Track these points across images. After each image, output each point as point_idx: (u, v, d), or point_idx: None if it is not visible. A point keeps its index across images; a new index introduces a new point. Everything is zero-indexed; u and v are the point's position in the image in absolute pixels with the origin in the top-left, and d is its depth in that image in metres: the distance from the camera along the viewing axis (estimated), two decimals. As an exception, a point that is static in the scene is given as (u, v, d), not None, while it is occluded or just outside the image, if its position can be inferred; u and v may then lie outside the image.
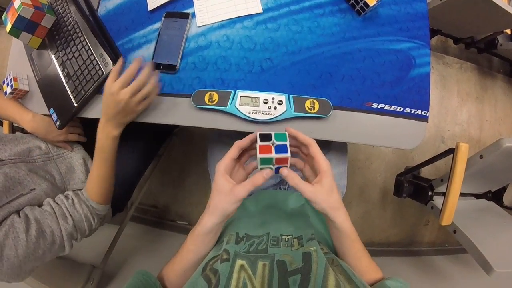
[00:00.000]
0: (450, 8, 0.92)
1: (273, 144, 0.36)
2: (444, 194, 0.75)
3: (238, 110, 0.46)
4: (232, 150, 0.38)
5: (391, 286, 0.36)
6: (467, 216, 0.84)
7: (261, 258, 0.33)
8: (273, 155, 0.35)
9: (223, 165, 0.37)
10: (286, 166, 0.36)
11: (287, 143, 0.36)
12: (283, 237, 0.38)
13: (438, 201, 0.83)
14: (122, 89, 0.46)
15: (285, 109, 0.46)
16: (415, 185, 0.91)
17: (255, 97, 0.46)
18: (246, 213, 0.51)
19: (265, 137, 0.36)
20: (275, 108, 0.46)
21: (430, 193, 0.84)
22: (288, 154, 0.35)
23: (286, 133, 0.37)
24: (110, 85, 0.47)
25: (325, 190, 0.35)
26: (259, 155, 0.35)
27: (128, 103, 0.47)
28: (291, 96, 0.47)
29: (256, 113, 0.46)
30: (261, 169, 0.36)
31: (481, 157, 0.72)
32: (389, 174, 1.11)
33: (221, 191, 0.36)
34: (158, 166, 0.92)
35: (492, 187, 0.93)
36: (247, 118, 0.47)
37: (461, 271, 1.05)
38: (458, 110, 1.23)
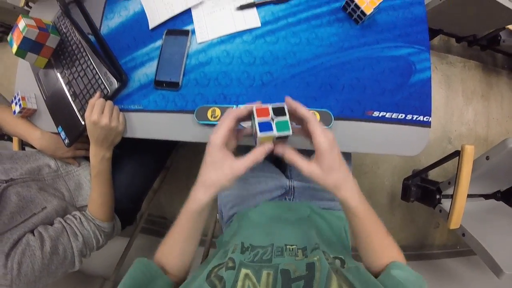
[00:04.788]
0: (450, 7, 0.91)
1: (272, 120, 0.33)
2: (451, 196, 0.74)
3: (241, 125, 0.47)
4: (228, 120, 0.35)
5: (397, 276, 0.35)
6: (476, 218, 0.82)
7: (266, 268, 0.33)
8: (274, 132, 0.32)
9: (219, 138, 0.34)
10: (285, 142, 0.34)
11: (287, 117, 0.33)
12: (288, 247, 0.38)
13: (446, 204, 0.82)
14: (101, 116, 0.51)
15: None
16: (423, 189, 0.90)
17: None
18: (251, 224, 0.51)
19: (263, 112, 0.33)
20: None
21: (438, 196, 0.83)
22: (290, 132, 0.33)
23: (285, 106, 0.34)
24: (90, 116, 0.51)
25: (323, 169, 0.34)
26: (259, 134, 0.32)
27: (110, 125, 0.51)
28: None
29: (257, 127, 0.46)
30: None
31: (487, 158, 0.71)
32: (397, 178, 1.10)
33: (217, 166, 0.34)
34: (166, 178, 0.93)
35: (501, 186, 0.91)
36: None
37: (474, 273, 1.03)
38: (464, 110, 1.21)
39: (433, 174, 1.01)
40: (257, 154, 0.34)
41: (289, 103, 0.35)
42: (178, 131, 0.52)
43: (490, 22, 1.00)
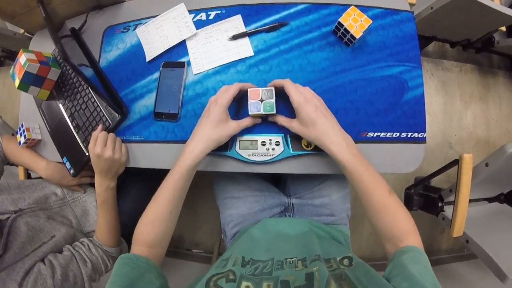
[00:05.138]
0: (441, 15, 0.92)
1: (261, 102, 0.45)
2: (454, 203, 0.74)
3: (239, 154, 0.48)
4: (234, 89, 0.44)
5: (404, 260, 0.34)
6: (480, 223, 0.82)
7: (266, 280, 0.34)
8: (262, 112, 0.45)
9: (226, 100, 0.42)
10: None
11: (273, 100, 0.45)
12: (288, 260, 0.39)
13: (448, 211, 0.82)
14: (104, 149, 0.52)
15: (282, 149, 0.48)
16: (425, 197, 0.90)
17: (253, 140, 0.48)
18: (252, 239, 0.52)
19: (255, 94, 0.46)
20: (273, 149, 0.48)
21: (440, 204, 0.83)
22: (274, 112, 0.45)
23: (273, 90, 0.45)
24: (93, 149, 0.53)
25: (305, 123, 0.40)
26: (250, 113, 0.46)
27: (113, 157, 0.53)
28: (288, 135, 0.49)
29: (255, 155, 0.48)
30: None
31: (486, 165, 0.71)
32: (399, 186, 1.09)
33: (220, 124, 0.42)
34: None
35: (504, 189, 0.91)
36: (247, 160, 0.48)
37: (483, 276, 1.01)
38: (463, 114, 1.21)
39: (435, 180, 1.00)
40: (248, 121, 0.45)
41: (270, 84, 0.46)
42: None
43: (482, 26, 1.01)
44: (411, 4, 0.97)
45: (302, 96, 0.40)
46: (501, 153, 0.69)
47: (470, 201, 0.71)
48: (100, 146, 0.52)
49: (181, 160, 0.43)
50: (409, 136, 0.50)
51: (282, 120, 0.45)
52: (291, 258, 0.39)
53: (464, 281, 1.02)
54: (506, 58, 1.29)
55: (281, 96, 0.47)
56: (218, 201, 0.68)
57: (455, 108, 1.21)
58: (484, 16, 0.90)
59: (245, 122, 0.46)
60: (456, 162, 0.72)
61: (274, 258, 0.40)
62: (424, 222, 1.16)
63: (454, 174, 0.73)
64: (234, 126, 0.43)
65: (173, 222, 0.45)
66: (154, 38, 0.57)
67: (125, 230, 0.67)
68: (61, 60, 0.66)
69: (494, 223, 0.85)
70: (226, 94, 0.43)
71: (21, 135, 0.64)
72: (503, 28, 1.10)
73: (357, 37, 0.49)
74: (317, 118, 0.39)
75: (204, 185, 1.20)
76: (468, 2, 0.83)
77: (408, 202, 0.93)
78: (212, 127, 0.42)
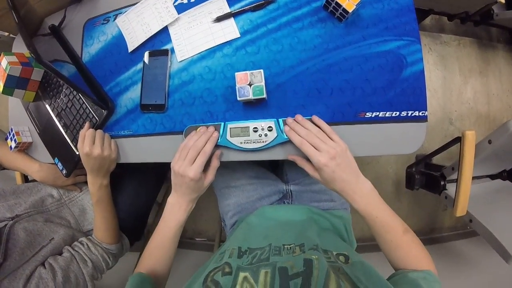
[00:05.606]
0: (438, -14, 0.88)
1: (250, 86, 0.44)
2: (456, 181, 0.72)
3: (230, 142, 0.46)
4: (203, 158, 0.44)
5: (412, 275, 0.36)
6: (483, 201, 0.81)
7: (263, 266, 0.33)
8: (251, 97, 0.44)
9: (197, 174, 0.43)
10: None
11: (263, 83, 0.44)
12: (285, 246, 0.39)
13: (451, 189, 0.81)
14: (92, 147, 0.51)
15: (276, 135, 0.46)
16: (427, 176, 0.89)
17: (244, 127, 0.46)
18: (249, 227, 0.51)
19: (243, 78, 0.45)
20: (265, 135, 0.45)
21: (442, 183, 0.82)
22: (264, 96, 0.44)
23: (262, 72, 0.45)
24: (82, 148, 0.51)
25: (323, 179, 0.42)
26: (238, 98, 0.45)
27: (103, 155, 0.52)
28: (280, 120, 0.46)
29: (247, 142, 0.46)
30: None
31: (489, 142, 0.69)
32: (400, 164, 1.08)
33: (195, 190, 0.45)
34: (169, 189, 0.93)
35: (507, 166, 0.89)
36: (239, 148, 0.46)
37: (486, 253, 1.02)
38: (463, 89, 1.18)
39: (436, 157, 0.99)
40: (213, 165, 0.47)
41: (293, 158, 0.47)
42: (170, 153, 0.51)
43: (481, -3, 0.96)
44: (406, -24, 0.92)
45: (321, 160, 0.40)
46: (504, 130, 0.67)
47: (473, 178, 0.69)
48: (89, 145, 0.50)
49: (168, 221, 0.48)
50: (409, 114, 0.48)
51: (307, 168, 0.45)
52: (289, 245, 0.39)
53: (467, 258, 1.03)
54: (505, 31, 1.24)
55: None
56: (216, 190, 0.67)
57: (455, 83, 1.18)
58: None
59: (211, 171, 0.47)
60: (458, 140, 0.70)
61: (271, 244, 0.39)
62: (426, 200, 1.16)
63: (455, 150, 0.72)
64: (207, 182, 0.46)
65: (171, 258, 0.50)
66: (135, 27, 0.54)
67: (124, 225, 0.67)
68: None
69: (497, 201, 0.84)
70: (196, 166, 0.43)
71: (11, 139, 0.63)
72: (502, 0, 1.05)
73: (350, 11, 0.46)
74: (335, 178, 0.41)
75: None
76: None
77: (410, 181, 0.91)
78: (184, 193, 0.46)
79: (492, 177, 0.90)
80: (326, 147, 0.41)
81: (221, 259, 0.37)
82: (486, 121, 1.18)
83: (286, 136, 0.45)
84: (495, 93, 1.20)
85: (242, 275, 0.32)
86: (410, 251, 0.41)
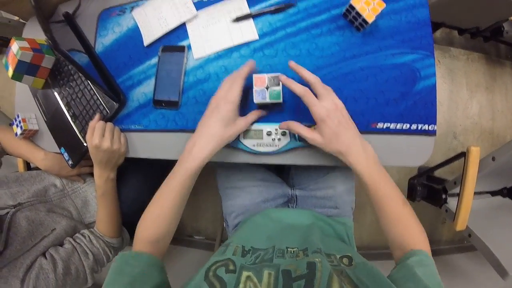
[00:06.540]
0: (452, 1, 0.88)
1: (267, 89, 0.42)
2: (458, 195, 0.73)
3: (243, 144, 0.46)
4: (239, 81, 0.41)
5: (410, 262, 0.35)
6: (482, 216, 0.82)
7: (267, 267, 0.33)
8: (267, 100, 0.42)
9: (236, 97, 0.40)
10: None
11: (280, 87, 0.42)
12: (289, 249, 0.39)
13: (452, 203, 0.82)
14: (102, 139, 0.50)
15: (289, 140, 0.46)
16: (429, 188, 0.89)
17: (258, 130, 0.46)
18: (253, 226, 0.51)
19: (260, 80, 0.42)
20: (279, 139, 0.46)
21: (444, 196, 0.82)
22: (280, 100, 0.42)
23: (280, 77, 0.42)
24: (91, 140, 0.50)
25: (324, 137, 0.38)
26: (255, 100, 0.43)
27: (112, 148, 0.51)
28: (294, 125, 0.46)
29: (260, 145, 0.46)
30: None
31: (493, 159, 0.70)
32: (403, 175, 1.09)
33: (226, 121, 0.40)
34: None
35: (507, 183, 0.90)
36: (252, 151, 0.46)
37: (483, 269, 1.03)
38: (469, 103, 1.19)
39: (439, 170, 1.00)
40: (254, 116, 0.43)
41: (293, 66, 0.41)
42: (180, 150, 0.51)
43: (492, 14, 0.97)
44: (422, -12, 0.93)
45: (324, 110, 0.37)
46: (508, 148, 0.68)
47: (474, 194, 0.70)
48: (98, 137, 0.50)
49: (189, 160, 0.40)
50: (419, 128, 0.49)
51: (303, 131, 0.41)
52: (292, 248, 0.39)
53: (464, 273, 1.03)
54: (515, 48, 1.25)
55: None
56: (220, 190, 0.67)
57: (461, 97, 1.18)
58: (495, 4, 0.87)
59: (252, 117, 0.44)
60: (462, 155, 0.71)
61: (275, 246, 0.39)
62: (425, 212, 1.16)
63: (457, 164, 0.73)
64: (243, 124, 0.42)
65: (177, 219, 0.44)
66: (152, 21, 0.54)
67: (125, 219, 0.67)
68: (54, 46, 0.62)
69: (496, 217, 0.85)
70: (234, 89, 0.40)
71: (17, 126, 0.62)
72: (513, 18, 1.06)
73: (370, 21, 0.46)
74: (339, 133, 0.38)
75: (206, 171, 1.19)
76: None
77: (412, 193, 0.92)
78: (223, 125, 0.40)
79: (493, 193, 0.91)
80: (330, 96, 0.38)
81: (223, 252, 0.37)
82: (489, 137, 1.19)
83: (286, 86, 0.41)
84: (500, 109, 1.21)
85: (245, 274, 0.32)
86: (409, 225, 0.39)
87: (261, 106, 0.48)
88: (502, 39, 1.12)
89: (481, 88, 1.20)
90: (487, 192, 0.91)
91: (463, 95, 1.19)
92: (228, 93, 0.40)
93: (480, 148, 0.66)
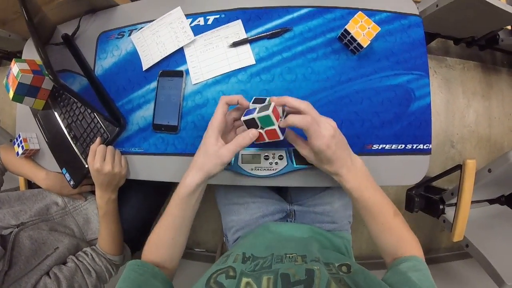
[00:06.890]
0: (447, 12, 0.89)
1: (262, 129, 0.37)
2: (455, 205, 0.74)
3: (241, 168, 0.47)
4: (220, 109, 0.38)
5: (403, 268, 0.36)
6: (480, 225, 0.82)
7: (266, 273, 0.34)
8: (265, 140, 0.38)
9: (216, 121, 0.38)
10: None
11: (275, 127, 0.36)
12: (287, 255, 0.39)
13: (450, 213, 0.82)
14: (103, 163, 0.51)
15: (286, 164, 0.47)
16: (426, 199, 0.90)
17: (256, 154, 0.47)
18: (253, 235, 0.52)
19: (251, 123, 0.38)
20: (276, 163, 0.47)
21: (441, 207, 0.83)
22: (281, 137, 0.38)
23: (271, 114, 0.36)
24: (92, 163, 0.51)
25: (321, 160, 0.39)
26: (242, 118, 0.38)
27: (113, 172, 0.52)
28: (291, 149, 0.47)
29: (258, 169, 0.47)
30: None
31: (489, 171, 0.71)
32: (401, 187, 1.09)
33: (208, 151, 0.38)
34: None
35: (504, 191, 0.91)
36: (250, 175, 0.47)
37: (481, 277, 1.03)
38: (465, 112, 1.20)
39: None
40: (242, 137, 0.37)
41: (276, 100, 0.38)
42: (180, 174, 0.52)
43: (487, 24, 0.98)
44: (416, 1, 0.94)
45: (325, 140, 0.36)
46: (504, 160, 0.68)
47: (471, 202, 0.71)
48: (99, 161, 0.51)
49: (181, 187, 0.41)
50: (414, 147, 0.49)
51: (299, 146, 0.40)
52: (291, 254, 0.39)
53: (463, 281, 1.04)
54: (510, 56, 1.26)
55: None
56: (219, 206, 0.68)
57: (458, 106, 1.19)
58: (490, 15, 0.88)
59: (235, 142, 0.38)
60: (459, 167, 0.72)
61: (273, 254, 0.40)
62: (424, 220, 1.16)
63: (455, 174, 0.73)
64: (224, 152, 0.37)
65: (179, 246, 0.45)
66: (150, 45, 0.55)
67: (127, 236, 0.67)
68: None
69: (494, 226, 0.86)
70: (213, 122, 0.38)
71: (18, 145, 0.63)
72: (509, 27, 1.07)
73: (365, 45, 0.47)
74: (335, 159, 0.38)
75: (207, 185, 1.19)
76: (475, 1, 0.80)
77: (409, 204, 0.93)
78: (198, 157, 0.39)
79: (491, 201, 0.92)
80: (326, 120, 0.37)
81: (224, 261, 0.38)
82: (487, 145, 1.20)
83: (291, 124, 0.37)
84: (496, 116, 1.22)
85: (245, 280, 0.33)
86: (401, 234, 0.40)
87: (251, 124, 0.47)
88: (497, 47, 1.13)
89: (478, 96, 1.21)
90: (485, 201, 0.92)
91: (460, 104, 1.19)
92: (208, 127, 0.40)
93: (478, 156, 0.67)
